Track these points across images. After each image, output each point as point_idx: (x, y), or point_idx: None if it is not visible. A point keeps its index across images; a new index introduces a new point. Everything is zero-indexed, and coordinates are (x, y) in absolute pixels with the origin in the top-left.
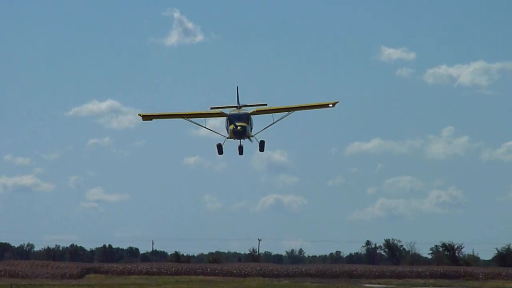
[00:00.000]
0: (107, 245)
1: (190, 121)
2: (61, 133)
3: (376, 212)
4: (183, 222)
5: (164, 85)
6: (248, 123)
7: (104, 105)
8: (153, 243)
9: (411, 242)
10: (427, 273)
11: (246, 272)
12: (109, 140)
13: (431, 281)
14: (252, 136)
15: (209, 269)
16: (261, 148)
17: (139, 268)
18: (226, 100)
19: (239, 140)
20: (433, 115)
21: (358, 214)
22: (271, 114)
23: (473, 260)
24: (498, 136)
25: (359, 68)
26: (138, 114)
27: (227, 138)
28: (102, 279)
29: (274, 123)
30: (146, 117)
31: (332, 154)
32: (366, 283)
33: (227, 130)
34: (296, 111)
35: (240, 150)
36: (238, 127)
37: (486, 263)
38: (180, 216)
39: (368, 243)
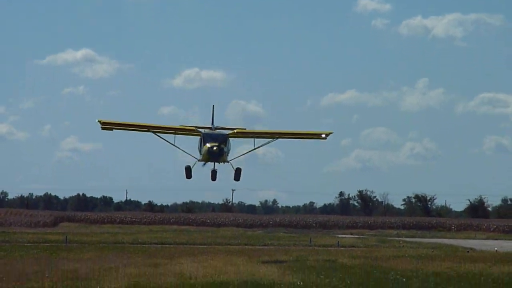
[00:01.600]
0: (81, 194)
1: (158, 136)
2: (35, 81)
3: (350, 164)
4: (157, 171)
5: (140, 34)
6: (225, 145)
7: (79, 54)
8: (127, 193)
9: (384, 193)
10: (399, 223)
11: (220, 222)
12: (84, 89)
13: (403, 231)
14: (228, 162)
15: (182, 219)
16: (237, 177)
17: (113, 217)
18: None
19: (212, 164)
20: (408, 67)
21: (333, 166)
22: (252, 138)
23: (445, 211)
24: (473, 88)
25: (334, 19)
26: (98, 121)
27: (199, 160)
28: (76, 228)
29: (254, 149)
30: (106, 126)
31: (307, 106)
32: (339, 234)
33: (200, 151)
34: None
35: (213, 175)
36: (214, 148)
37: (458, 214)
38: (154, 165)
39: (341, 194)
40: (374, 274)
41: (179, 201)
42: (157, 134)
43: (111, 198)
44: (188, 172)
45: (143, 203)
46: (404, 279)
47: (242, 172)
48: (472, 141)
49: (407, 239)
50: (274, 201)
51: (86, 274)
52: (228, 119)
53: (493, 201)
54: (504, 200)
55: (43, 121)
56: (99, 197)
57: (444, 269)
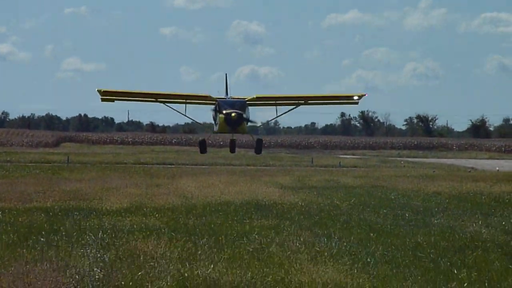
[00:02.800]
0: (82, 115)
1: (166, 105)
2: (37, 1)
3: (352, 84)
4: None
5: None
6: (244, 112)
7: None
8: (128, 113)
9: (385, 114)
10: (401, 144)
11: (222, 143)
12: (85, 9)
13: (405, 152)
14: (248, 133)
15: (184, 140)
16: (258, 150)
17: (114, 138)
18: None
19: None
20: None
21: (334, 86)
22: (274, 105)
23: (447, 131)
24: (475, 7)
25: None
26: (97, 90)
27: (214, 132)
28: (77, 148)
29: (278, 116)
30: (106, 96)
31: (308, 26)
32: (341, 154)
33: (215, 120)
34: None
35: (232, 145)
36: (232, 114)
37: (460, 134)
38: (155, 86)
39: (343, 114)
40: (375, 194)
41: (181, 122)
42: (166, 104)
43: (112, 119)
44: (203, 146)
45: (145, 123)
46: (405, 199)
47: (263, 144)
48: (474, 61)
49: (409, 159)
50: (276, 122)
51: (88, 194)
52: (229, 41)
53: (494, 121)
54: (506, 120)
55: (45, 41)
56: (100, 117)
57: (445, 188)
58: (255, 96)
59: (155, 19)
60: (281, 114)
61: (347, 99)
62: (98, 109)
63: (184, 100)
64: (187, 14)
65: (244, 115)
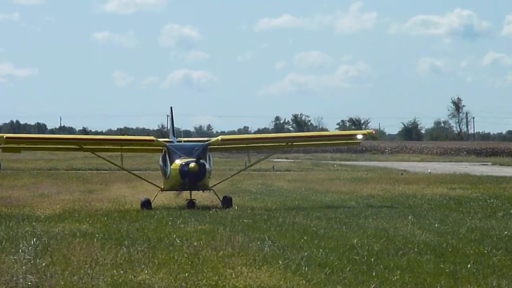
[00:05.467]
0: (14, 121)
1: (95, 154)
2: None
3: (285, 87)
4: (91, 98)
5: None
6: (206, 161)
7: None
8: (61, 119)
9: (318, 117)
10: (333, 147)
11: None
12: (18, 15)
13: (338, 155)
14: (210, 189)
15: None
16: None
17: None
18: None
19: (188, 193)
20: None
21: (267, 90)
22: (245, 149)
23: (379, 134)
24: (406, 10)
25: None
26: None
27: (163, 189)
28: (9, 155)
29: (251, 165)
30: (8, 145)
31: (241, 30)
32: (274, 158)
33: (164, 173)
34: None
35: (190, 207)
36: (191, 165)
37: (392, 137)
38: (88, 92)
39: (277, 118)
40: (309, 197)
41: (114, 127)
42: (95, 153)
43: (45, 125)
44: (147, 206)
45: (77, 129)
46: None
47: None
48: (406, 64)
49: (342, 163)
50: (209, 126)
51: (20, 201)
52: (161, 45)
53: (426, 123)
54: (437, 123)
55: None
56: (33, 123)
57: (378, 191)
58: (219, 139)
59: (87, 24)
60: (254, 163)
61: (347, 139)
62: (30, 115)
63: (119, 147)
64: (120, 18)
65: (207, 166)
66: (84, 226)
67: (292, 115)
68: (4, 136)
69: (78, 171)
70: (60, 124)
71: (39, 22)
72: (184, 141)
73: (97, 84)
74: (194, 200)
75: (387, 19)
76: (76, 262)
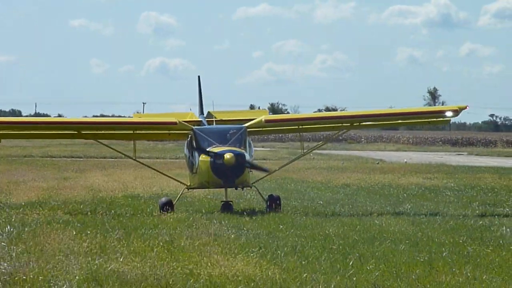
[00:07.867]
0: None
1: (99, 141)
2: None
3: (262, 76)
4: (67, 84)
5: None
6: (246, 150)
7: None
8: (36, 106)
9: (295, 106)
10: (309, 136)
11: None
12: None
13: (314, 144)
14: (251, 186)
15: None
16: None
17: None
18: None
19: (224, 190)
20: None
21: (245, 79)
22: (297, 132)
23: None
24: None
25: None
26: None
27: (190, 186)
28: None
29: (304, 154)
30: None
31: (219, 19)
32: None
33: (191, 166)
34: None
35: (226, 208)
36: (227, 156)
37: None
38: (64, 78)
39: (252, 107)
40: (285, 186)
41: (89, 114)
42: (98, 140)
43: (20, 112)
44: (167, 209)
45: (53, 116)
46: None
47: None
48: (383, 53)
49: (318, 151)
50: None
51: None
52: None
53: None
54: None
55: None
56: (8, 110)
57: (354, 180)
58: (262, 119)
59: (64, 11)
60: (311, 150)
61: (433, 116)
62: (5, 101)
63: (132, 132)
64: (97, 5)
65: (247, 156)
66: (59, 214)
67: (269, 103)
68: None
69: (54, 158)
70: (35, 110)
71: (15, 9)
72: (216, 123)
73: (73, 71)
74: (230, 202)
75: (365, 8)
76: (50, 250)
